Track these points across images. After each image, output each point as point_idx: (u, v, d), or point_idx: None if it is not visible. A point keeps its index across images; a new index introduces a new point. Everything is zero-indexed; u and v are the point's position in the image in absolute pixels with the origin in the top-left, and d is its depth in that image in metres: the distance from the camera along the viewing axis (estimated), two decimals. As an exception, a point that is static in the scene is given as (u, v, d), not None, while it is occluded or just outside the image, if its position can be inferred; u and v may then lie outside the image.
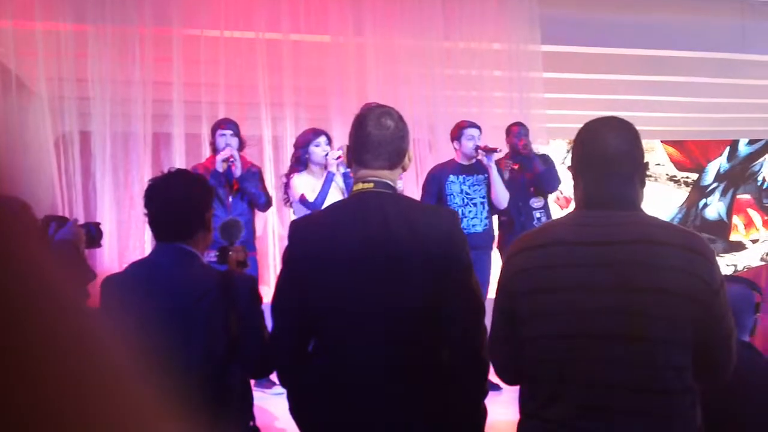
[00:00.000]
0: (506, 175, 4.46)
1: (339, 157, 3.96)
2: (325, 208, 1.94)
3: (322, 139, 4.06)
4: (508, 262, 1.63)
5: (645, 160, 1.61)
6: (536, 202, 4.57)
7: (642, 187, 1.58)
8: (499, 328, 1.64)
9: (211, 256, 2.06)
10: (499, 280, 1.65)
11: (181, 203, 1.91)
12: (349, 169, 3.96)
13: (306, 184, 4.02)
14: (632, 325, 1.44)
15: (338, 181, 4.03)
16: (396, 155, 1.75)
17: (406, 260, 1.65)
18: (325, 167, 4.00)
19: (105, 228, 5.25)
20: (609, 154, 1.53)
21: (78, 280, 1.85)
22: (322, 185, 3.95)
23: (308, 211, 3.95)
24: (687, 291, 1.43)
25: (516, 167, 4.57)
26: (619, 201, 1.53)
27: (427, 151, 5.63)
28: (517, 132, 4.68)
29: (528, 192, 4.57)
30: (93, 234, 2.14)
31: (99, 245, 2.26)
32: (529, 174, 4.58)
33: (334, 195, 3.98)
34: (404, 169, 1.82)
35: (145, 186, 2.01)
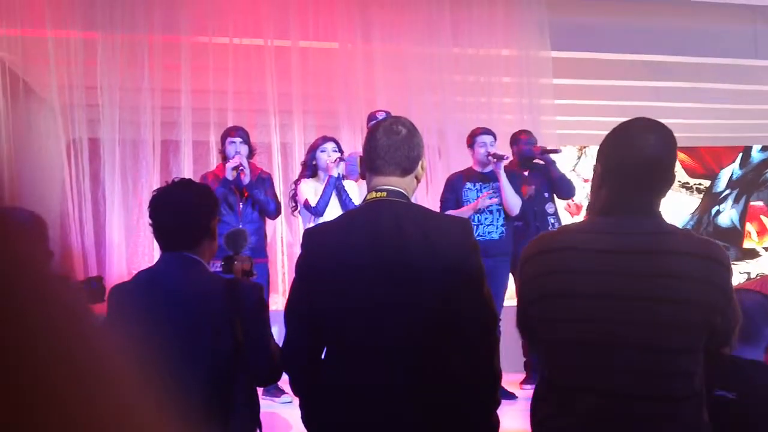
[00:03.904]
0: (525, 197, 4.41)
1: (336, 160, 3.97)
2: (339, 216, 1.94)
3: (329, 145, 4.08)
4: (526, 264, 1.63)
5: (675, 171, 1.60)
6: (550, 208, 4.55)
7: (664, 196, 1.56)
8: (523, 330, 1.66)
9: (216, 266, 2.05)
10: (519, 282, 1.64)
11: (186, 212, 1.92)
12: (339, 174, 4.01)
13: (311, 190, 4.03)
14: (648, 335, 1.45)
15: (351, 192, 4.02)
16: (407, 161, 1.74)
17: (419, 268, 1.64)
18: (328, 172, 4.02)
19: (114, 235, 5.31)
20: (645, 163, 1.49)
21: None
22: (324, 189, 3.97)
23: (312, 216, 3.96)
24: (706, 301, 1.44)
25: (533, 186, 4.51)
26: (644, 210, 1.52)
27: (437, 157, 5.61)
28: (526, 140, 4.64)
29: (543, 197, 4.53)
30: (94, 288, 2.11)
31: (102, 300, 2.19)
32: (546, 178, 4.52)
33: (334, 204, 3.97)
34: (418, 180, 1.81)
35: (152, 192, 2.01)
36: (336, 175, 3.98)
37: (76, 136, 5.40)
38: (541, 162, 4.55)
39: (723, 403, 1.54)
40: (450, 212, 4.03)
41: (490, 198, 4.26)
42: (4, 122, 5.21)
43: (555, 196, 4.61)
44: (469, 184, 4.35)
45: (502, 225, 4.35)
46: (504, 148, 4.58)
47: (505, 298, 4.54)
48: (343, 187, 4.02)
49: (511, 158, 4.45)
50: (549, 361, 1.56)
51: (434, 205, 4.39)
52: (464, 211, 4.11)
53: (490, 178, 4.36)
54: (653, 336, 1.44)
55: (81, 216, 5.29)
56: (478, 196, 4.32)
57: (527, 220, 4.45)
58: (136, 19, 5.29)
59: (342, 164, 4.03)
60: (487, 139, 4.38)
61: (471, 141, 4.43)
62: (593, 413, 1.47)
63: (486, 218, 4.28)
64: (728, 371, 1.82)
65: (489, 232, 4.26)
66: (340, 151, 4.12)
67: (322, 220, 3.86)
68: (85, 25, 5.26)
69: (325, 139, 4.16)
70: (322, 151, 4.08)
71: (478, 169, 4.40)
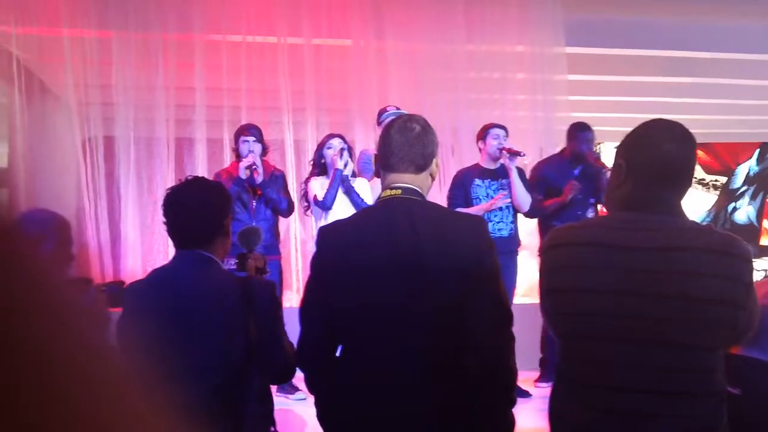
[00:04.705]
0: (569, 197, 4.29)
1: (339, 151, 3.98)
2: (353, 214, 1.94)
3: (335, 141, 4.10)
4: (542, 258, 1.64)
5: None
6: (591, 213, 4.43)
7: (684, 195, 1.59)
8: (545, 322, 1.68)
9: (230, 263, 2.06)
10: (539, 273, 1.66)
11: (199, 210, 1.93)
12: (353, 177, 4.02)
13: (320, 186, 4.05)
14: (666, 332, 1.44)
15: (361, 190, 4.03)
16: (421, 158, 1.74)
17: (433, 266, 1.64)
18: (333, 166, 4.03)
19: (129, 232, 5.34)
20: (669, 162, 1.53)
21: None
22: (330, 183, 3.98)
23: (323, 213, 3.97)
24: (727, 297, 1.44)
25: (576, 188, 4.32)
26: (664, 207, 1.53)
27: (450, 155, 5.59)
28: (583, 138, 4.40)
29: (587, 203, 4.39)
30: (115, 293, 2.13)
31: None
32: (594, 185, 4.34)
33: (344, 200, 3.98)
34: (433, 178, 1.81)
35: (166, 191, 2.02)
36: (341, 168, 3.98)
37: (91, 134, 5.45)
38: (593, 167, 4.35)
39: (729, 398, 1.53)
40: (461, 210, 4.01)
41: (499, 194, 4.24)
42: (20, 120, 5.26)
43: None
44: (477, 181, 4.32)
45: (512, 222, 4.32)
46: (517, 144, 4.55)
47: (517, 294, 4.52)
48: (353, 187, 4.02)
49: (524, 155, 4.42)
50: (566, 356, 1.57)
51: (446, 202, 4.38)
52: (477, 210, 4.09)
53: (499, 175, 4.33)
54: (667, 333, 1.43)
55: (96, 213, 5.34)
56: (487, 193, 4.30)
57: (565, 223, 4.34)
58: (150, 17, 5.32)
59: (346, 155, 4.03)
60: (500, 132, 4.35)
61: (483, 134, 4.39)
62: (610, 409, 1.46)
63: (496, 215, 4.26)
64: (736, 369, 1.81)
65: (499, 230, 4.24)
66: (347, 145, 4.13)
67: (331, 213, 3.87)
68: (100, 24, 5.30)
69: (331, 136, 4.19)
70: (328, 148, 4.10)
71: (486, 165, 4.38)
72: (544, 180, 4.43)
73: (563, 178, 4.36)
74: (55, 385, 0.26)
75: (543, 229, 4.48)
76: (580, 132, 4.44)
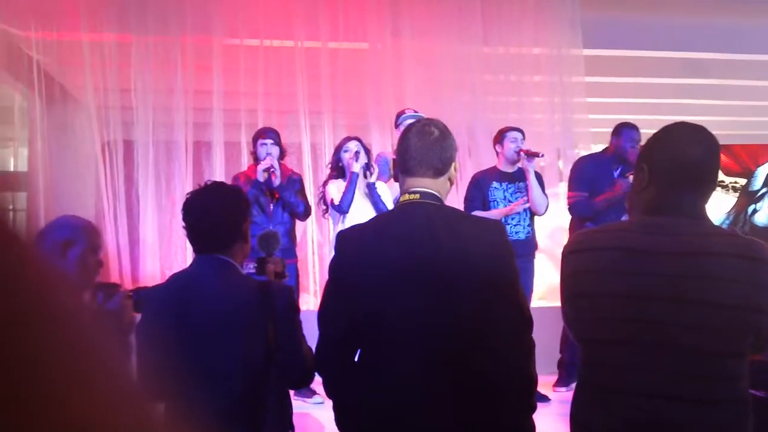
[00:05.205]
0: (620, 194, 4.08)
1: (354, 154, 3.97)
2: (372, 218, 1.94)
3: (352, 144, 4.08)
4: (563, 262, 1.63)
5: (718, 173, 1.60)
6: (626, 216, 4.34)
7: (709, 198, 1.57)
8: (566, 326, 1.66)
9: (249, 268, 2.07)
10: (560, 278, 1.65)
11: (218, 215, 1.94)
12: (374, 181, 4.01)
13: (337, 190, 4.04)
14: (688, 338, 1.43)
15: (381, 193, 4.02)
16: (440, 162, 1.74)
17: (452, 272, 1.64)
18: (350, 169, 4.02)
19: (147, 235, 5.38)
20: (693, 165, 1.51)
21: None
22: (346, 187, 3.97)
23: (341, 216, 3.96)
24: (751, 303, 1.42)
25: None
26: (689, 211, 1.52)
27: (467, 157, 5.57)
28: (628, 136, 4.29)
29: (623, 206, 4.36)
30: (141, 297, 2.14)
31: None
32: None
33: (361, 203, 3.97)
34: (451, 182, 1.81)
35: (186, 196, 2.03)
36: (357, 171, 3.97)
37: (110, 137, 5.50)
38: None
39: (754, 400, 1.51)
40: (479, 213, 3.98)
41: (519, 200, 4.21)
42: (40, 124, 5.32)
43: None
44: (495, 184, 4.30)
45: (529, 225, 4.30)
46: (534, 147, 4.53)
47: (534, 297, 4.49)
48: (377, 192, 4.00)
49: (543, 156, 4.39)
50: (587, 361, 1.56)
51: (462, 205, 4.36)
52: (495, 215, 4.06)
53: (516, 178, 4.31)
54: (691, 338, 1.42)
55: (116, 216, 5.38)
56: (504, 196, 4.28)
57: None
58: (168, 21, 5.36)
59: (363, 157, 4.02)
60: (517, 135, 4.34)
61: (500, 137, 4.38)
62: (632, 415, 1.45)
63: (513, 218, 4.24)
64: (758, 371, 1.79)
65: (516, 233, 4.22)
66: (365, 148, 4.12)
67: (349, 217, 3.86)
68: (119, 28, 5.35)
69: (348, 138, 4.19)
70: (345, 151, 4.09)
71: (503, 168, 4.36)
72: (583, 177, 4.32)
73: (603, 176, 4.27)
74: (56, 390, 0.26)
75: (575, 230, 4.41)
76: (625, 130, 4.33)
